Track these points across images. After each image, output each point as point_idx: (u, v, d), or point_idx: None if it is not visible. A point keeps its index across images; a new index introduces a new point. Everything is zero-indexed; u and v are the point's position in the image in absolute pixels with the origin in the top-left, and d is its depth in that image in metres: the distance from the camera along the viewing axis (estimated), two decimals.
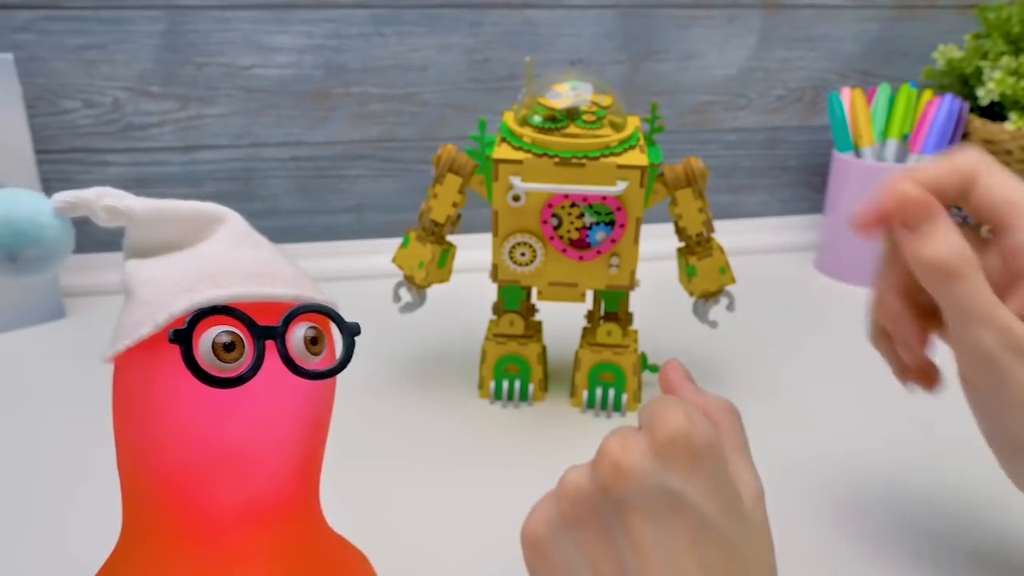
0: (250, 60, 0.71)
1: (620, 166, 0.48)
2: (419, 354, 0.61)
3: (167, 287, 0.26)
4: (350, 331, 0.28)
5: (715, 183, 0.83)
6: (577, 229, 0.50)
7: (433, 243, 0.53)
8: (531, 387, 0.54)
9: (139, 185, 0.71)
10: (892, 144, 0.73)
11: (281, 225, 0.77)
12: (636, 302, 0.58)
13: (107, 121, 0.71)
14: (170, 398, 0.26)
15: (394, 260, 0.54)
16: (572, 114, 0.50)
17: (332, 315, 0.28)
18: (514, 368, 0.54)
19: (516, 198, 0.50)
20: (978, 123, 0.73)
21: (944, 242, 0.31)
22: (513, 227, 0.51)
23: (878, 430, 0.52)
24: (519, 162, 0.48)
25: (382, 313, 0.55)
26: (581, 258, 0.51)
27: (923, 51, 0.82)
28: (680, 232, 0.53)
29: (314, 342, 0.27)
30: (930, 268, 0.32)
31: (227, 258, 0.28)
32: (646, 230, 0.51)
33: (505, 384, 0.54)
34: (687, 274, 0.54)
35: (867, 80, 0.84)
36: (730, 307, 0.55)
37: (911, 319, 0.36)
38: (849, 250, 0.74)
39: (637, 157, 0.49)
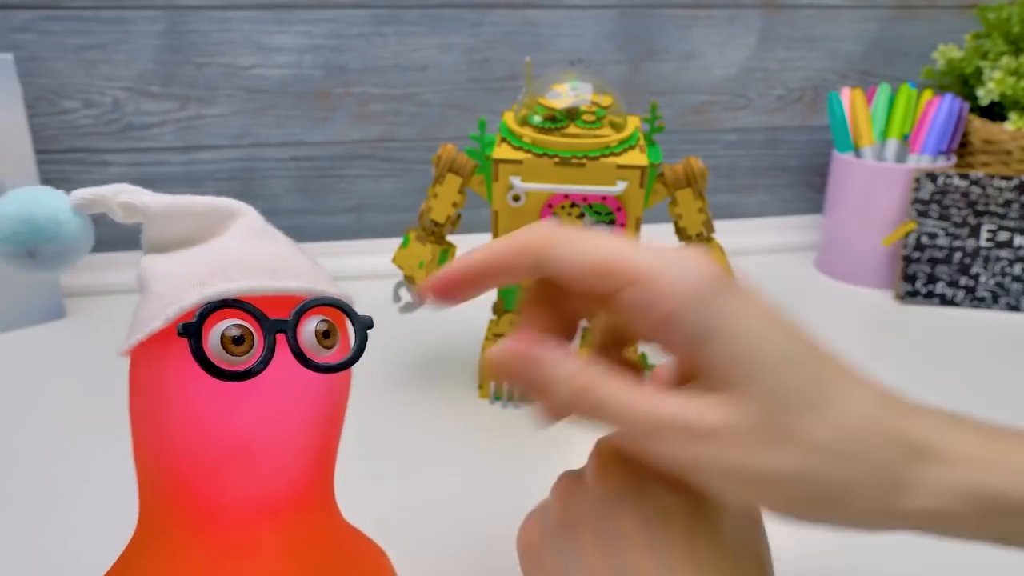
0: (250, 60, 0.71)
1: (620, 166, 0.48)
2: (419, 354, 0.61)
3: (179, 281, 0.26)
4: (363, 324, 0.28)
5: (715, 183, 0.83)
6: None
7: (433, 243, 0.53)
8: None
9: (139, 185, 0.71)
10: (892, 144, 0.73)
11: (281, 225, 0.76)
12: None
13: (107, 121, 0.71)
14: (180, 391, 0.26)
15: (394, 260, 0.54)
16: (572, 114, 0.50)
17: (344, 308, 0.28)
18: None
19: (516, 198, 0.50)
20: (978, 123, 0.73)
21: (565, 382, 0.26)
22: (513, 227, 0.50)
23: None
24: (519, 162, 0.48)
25: (382, 313, 0.55)
26: None
27: (923, 51, 0.82)
28: (680, 232, 0.53)
29: (326, 336, 0.27)
30: (573, 404, 0.26)
31: (241, 252, 0.28)
32: (646, 230, 0.50)
33: (505, 384, 0.54)
34: None
35: (867, 80, 0.84)
36: None
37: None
38: (849, 250, 0.74)
39: (637, 157, 0.49)
